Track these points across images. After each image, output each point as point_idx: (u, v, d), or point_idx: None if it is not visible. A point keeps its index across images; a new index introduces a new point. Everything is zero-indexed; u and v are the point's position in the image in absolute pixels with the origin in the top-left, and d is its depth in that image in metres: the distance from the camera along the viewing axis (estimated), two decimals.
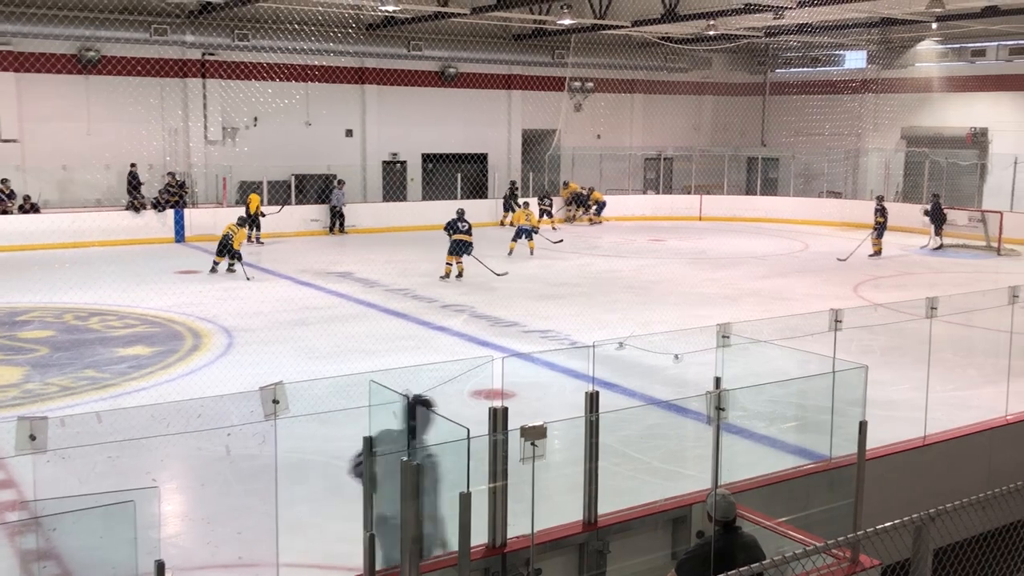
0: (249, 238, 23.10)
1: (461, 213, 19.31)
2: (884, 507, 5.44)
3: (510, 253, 21.53)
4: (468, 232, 18.86)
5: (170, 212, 24.18)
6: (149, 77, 25.01)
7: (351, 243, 24.72)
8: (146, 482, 7.61)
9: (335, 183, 26.74)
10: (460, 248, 18.77)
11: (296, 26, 24.06)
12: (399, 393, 4.82)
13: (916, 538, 4.65)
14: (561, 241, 23.81)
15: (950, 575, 5.60)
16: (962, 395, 10.46)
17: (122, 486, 3.94)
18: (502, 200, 28.63)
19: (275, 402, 4.68)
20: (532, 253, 21.80)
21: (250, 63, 25.48)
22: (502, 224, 27.67)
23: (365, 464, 4.90)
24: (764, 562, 4.40)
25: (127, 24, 23.63)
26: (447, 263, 18.84)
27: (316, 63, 26.62)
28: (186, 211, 24.42)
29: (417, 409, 5.06)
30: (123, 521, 3.78)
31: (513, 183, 29.52)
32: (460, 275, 18.81)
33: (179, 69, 25.68)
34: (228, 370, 11.88)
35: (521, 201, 27.02)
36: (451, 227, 18.89)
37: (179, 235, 24.21)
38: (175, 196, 24.47)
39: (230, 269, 19.15)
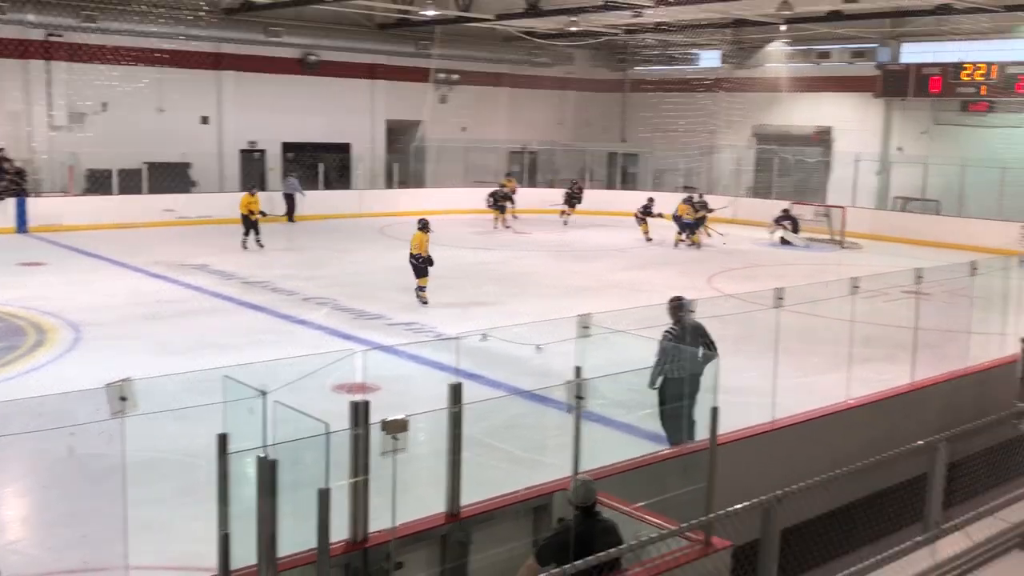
0: (258, 242, 21.40)
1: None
2: (736, 490, 5.63)
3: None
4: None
5: (11, 201, 22.82)
6: None
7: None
8: None
9: (289, 172, 27.26)
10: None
11: (147, 7, 23.09)
12: (255, 388, 4.68)
13: (764, 519, 4.85)
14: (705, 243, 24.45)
15: (797, 553, 5.87)
16: (807, 381, 10.95)
17: None
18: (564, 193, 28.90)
19: (123, 399, 4.48)
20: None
21: (98, 45, 24.31)
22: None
23: (219, 462, 4.74)
24: (621, 546, 4.49)
25: None
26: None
27: (169, 47, 25.59)
28: (29, 200, 23.11)
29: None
30: None
31: (574, 182, 29.70)
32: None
33: (18, 49, 24.21)
34: (75, 367, 11.34)
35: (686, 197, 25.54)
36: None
37: (21, 225, 22.90)
38: (14, 184, 23.09)
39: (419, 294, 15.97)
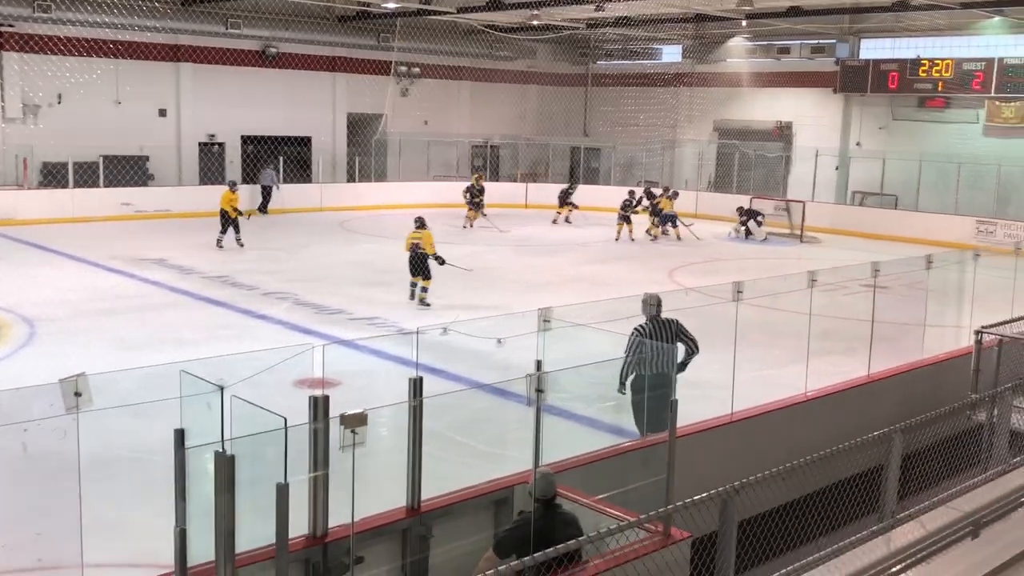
0: (238, 240, 20.47)
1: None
2: (695, 482, 5.68)
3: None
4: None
5: None
6: None
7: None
8: None
9: (267, 164, 27.26)
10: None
11: None
12: (212, 383, 4.63)
13: (722, 510, 4.89)
14: None
15: (755, 544, 5.93)
16: (767, 374, 11.07)
17: None
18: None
19: (77, 395, 4.41)
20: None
21: (53, 36, 23.88)
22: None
23: (176, 457, 4.68)
24: (581, 538, 4.51)
25: None
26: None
27: (126, 39, 25.20)
28: None
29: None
30: None
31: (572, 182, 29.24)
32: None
33: None
34: (30, 362, 11.16)
35: (659, 191, 25.72)
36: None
37: None
38: None
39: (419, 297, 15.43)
